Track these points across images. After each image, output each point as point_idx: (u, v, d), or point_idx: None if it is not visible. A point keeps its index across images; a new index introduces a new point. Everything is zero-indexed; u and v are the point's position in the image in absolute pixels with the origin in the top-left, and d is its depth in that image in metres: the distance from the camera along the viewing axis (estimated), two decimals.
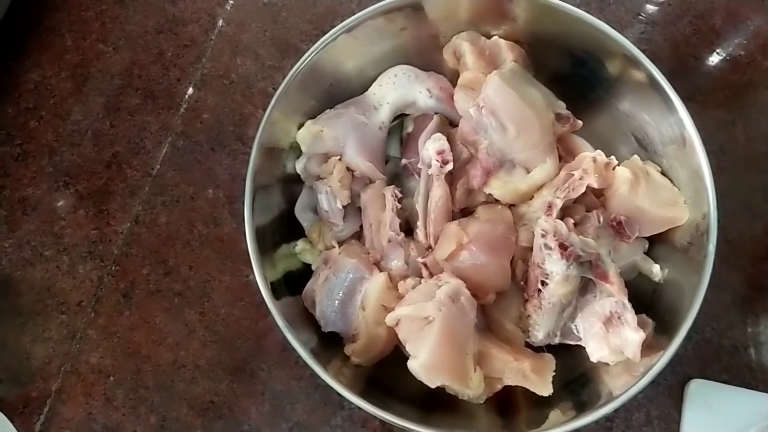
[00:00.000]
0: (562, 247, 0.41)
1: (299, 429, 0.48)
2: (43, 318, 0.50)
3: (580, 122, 0.48)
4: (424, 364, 0.39)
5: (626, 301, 0.42)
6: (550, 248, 0.42)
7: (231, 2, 0.57)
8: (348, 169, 0.46)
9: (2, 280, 0.51)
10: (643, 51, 0.43)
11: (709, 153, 0.42)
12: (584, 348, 0.44)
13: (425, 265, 0.44)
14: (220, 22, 0.57)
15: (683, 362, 0.50)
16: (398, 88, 0.49)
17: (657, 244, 0.47)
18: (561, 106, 0.47)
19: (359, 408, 0.49)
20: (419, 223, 0.45)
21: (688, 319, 0.40)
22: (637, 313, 0.43)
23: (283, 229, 0.48)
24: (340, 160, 0.46)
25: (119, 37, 0.57)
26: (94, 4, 0.58)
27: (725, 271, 0.51)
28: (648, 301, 0.45)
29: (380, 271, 0.44)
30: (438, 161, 0.44)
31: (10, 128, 0.54)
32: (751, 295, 0.51)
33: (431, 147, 0.44)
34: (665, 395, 0.49)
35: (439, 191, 0.44)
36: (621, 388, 0.40)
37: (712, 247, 0.41)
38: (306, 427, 0.48)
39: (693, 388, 0.48)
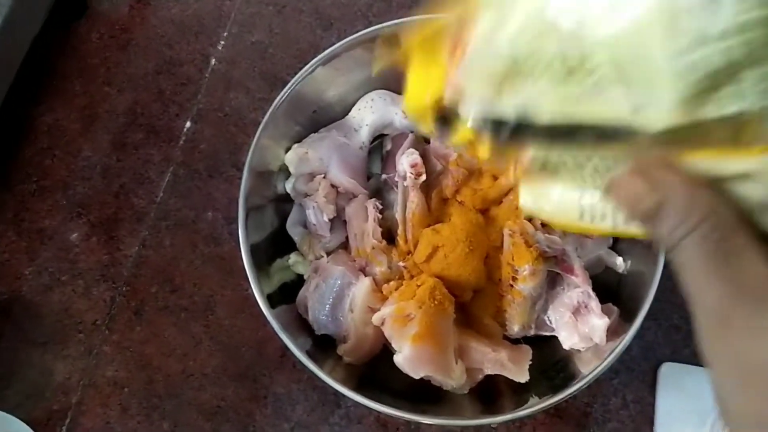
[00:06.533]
0: (528, 244, 0.46)
1: (300, 428, 0.52)
2: (63, 337, 0.54)
3: None
4: (408, 356, 0.43)
5: (590, 291, 0.46)
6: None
7: (222, 42, 0.63)
8: (332, 185, 0.51)
9: (24, 305, 0.55)
10: None
11: None
12: (558, 338, 0.48)
13: (406, 268, 0.48)
14: (213, 61, 0.62)
15: (655, 348, 0.53)
16: (375, 111, 0.53)
17: (621, 239, 0.51)
18: None
19: (355, 406, 0.53)
20: (399, 230, 0.49)
21: (645, 303, 0.44)
22: (604, 302, 0.47)
23: (277, 244, 0.52)
24: (324, 178, 0.50)
25: (123, 80, 0.62)
26: (99, 51, 0.63)
27: None
28: (614, 292, 0.49)
29: (365, 276, 0.48)
30: (412, 174, 0.49)
31: (27, 167, 0.59)
32: None
33: (405, 161, 0.49)
34: (639, 380, 0.52)
35: (415, 200, 0.49)
36: (592, 370, 0.44)
37: None
38: (306, 426, 0.52)
39: (664, 371, 0.52)
